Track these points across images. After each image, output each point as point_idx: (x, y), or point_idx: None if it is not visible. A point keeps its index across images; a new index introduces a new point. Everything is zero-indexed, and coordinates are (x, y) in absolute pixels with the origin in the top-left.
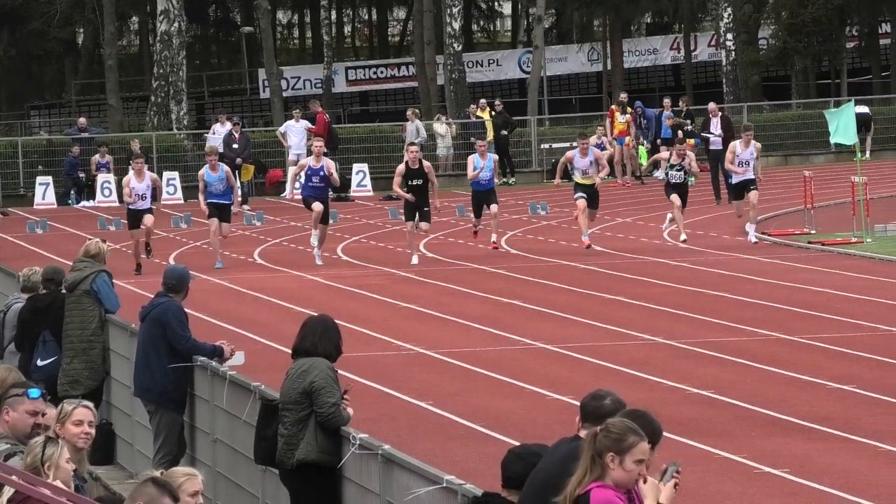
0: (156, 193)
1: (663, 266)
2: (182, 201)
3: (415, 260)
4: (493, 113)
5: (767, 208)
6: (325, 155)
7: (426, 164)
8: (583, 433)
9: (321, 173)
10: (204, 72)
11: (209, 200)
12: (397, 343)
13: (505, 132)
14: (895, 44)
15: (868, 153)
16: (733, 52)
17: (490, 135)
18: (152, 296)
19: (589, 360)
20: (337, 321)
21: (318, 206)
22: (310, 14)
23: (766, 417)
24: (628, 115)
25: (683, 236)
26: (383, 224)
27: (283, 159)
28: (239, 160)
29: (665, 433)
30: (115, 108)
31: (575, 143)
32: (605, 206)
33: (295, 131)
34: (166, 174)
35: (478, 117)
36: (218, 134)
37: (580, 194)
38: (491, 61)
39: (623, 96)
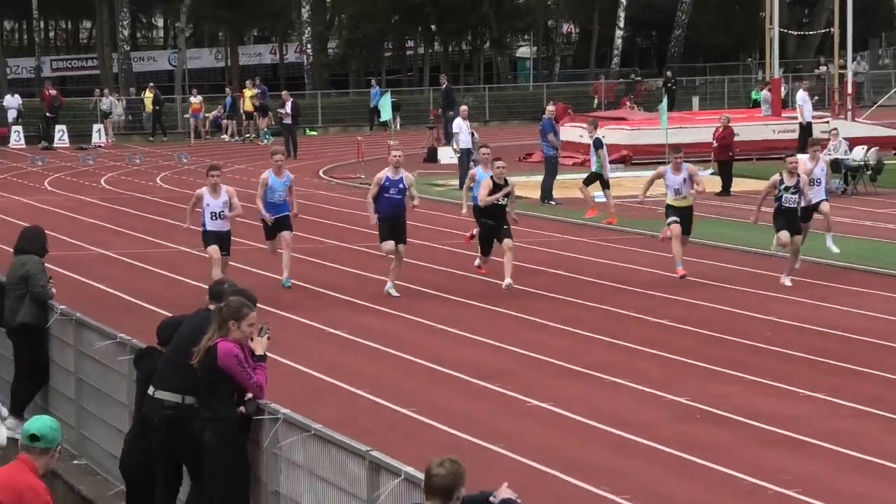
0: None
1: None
2: None
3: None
4: (150, 93)
5: (333, 160)
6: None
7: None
8: (211, 307)
9: (400, 185)
10: None
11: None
12: (85, 245)
13: (158, 107)
14: (416, 55)
15: (398, 126)
16: (311, 57)
17: (149, 108)
18: None
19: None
20: (45, 230)
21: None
22: (26, 22)
23: (336, 299)
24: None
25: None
26: (76, 166)
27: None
28: None
29: (267, 308)
30: None
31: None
32: (225, 158)
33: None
34: None
35: (137, 95)
36: None
37: (673, 218)
38: (149, 58)
39: (248, 82)
